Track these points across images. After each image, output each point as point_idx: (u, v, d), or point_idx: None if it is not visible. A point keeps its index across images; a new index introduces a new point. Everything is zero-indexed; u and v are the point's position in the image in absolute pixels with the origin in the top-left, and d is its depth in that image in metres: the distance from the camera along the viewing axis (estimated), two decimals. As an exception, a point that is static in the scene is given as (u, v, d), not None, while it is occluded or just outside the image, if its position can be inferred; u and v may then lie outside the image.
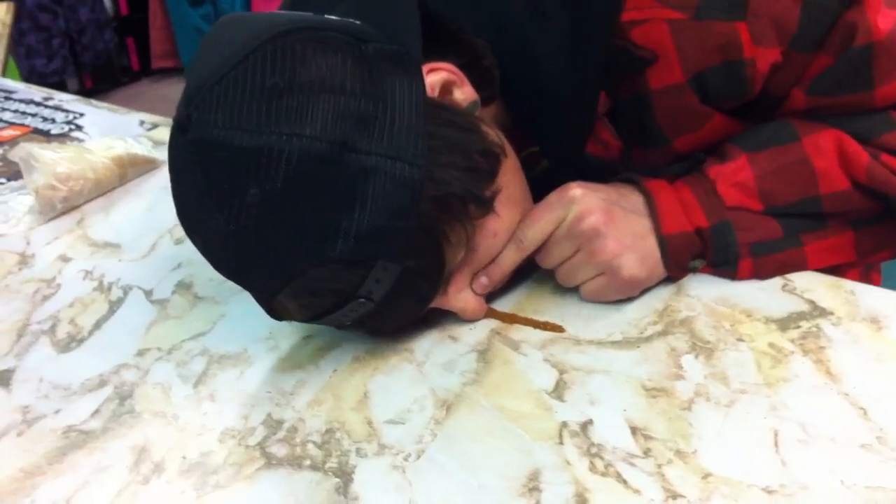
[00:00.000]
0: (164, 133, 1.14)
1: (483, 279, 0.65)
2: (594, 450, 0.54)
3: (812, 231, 0.67)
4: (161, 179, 1.02)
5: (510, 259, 0.65)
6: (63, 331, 0.74)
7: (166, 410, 0.62)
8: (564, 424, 0.56)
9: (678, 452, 0.52)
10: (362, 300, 0.56)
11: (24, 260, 0.86)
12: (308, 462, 0.56)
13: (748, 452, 0.52)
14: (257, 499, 0.54)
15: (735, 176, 0.66)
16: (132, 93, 4.00)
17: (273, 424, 0.59)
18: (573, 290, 0.68)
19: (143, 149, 1.04)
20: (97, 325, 0.74)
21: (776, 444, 0.52)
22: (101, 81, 3.99)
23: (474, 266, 0.65)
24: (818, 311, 0.63)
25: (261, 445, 0.58)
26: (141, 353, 0.69)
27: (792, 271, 0.67)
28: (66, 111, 1.26)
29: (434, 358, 0.64)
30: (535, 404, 0.58)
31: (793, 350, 0.60)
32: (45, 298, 0.79)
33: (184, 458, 0.57)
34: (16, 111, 1.28)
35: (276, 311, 0.60)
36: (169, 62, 4.08)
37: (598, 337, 0.64)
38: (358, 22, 0.57)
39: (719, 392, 0.57)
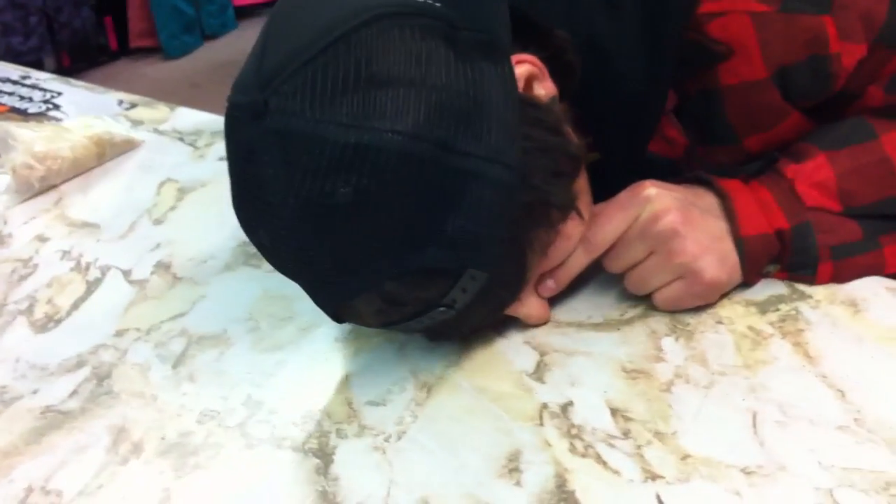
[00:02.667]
0: (142, 112, 1.13)
1: (550, 283, 0.62)
2: (574, 431, 0.54)
3: (889, 233, 0.63)
4: (139, 159, 1.01)
5: (579, 262, 0.61)
6: (40, 311, 0.73)
7: (145, 391, 0.62)
8: (545, 406, 0.56)
9: (657, 434, 0.53)
10: (443, 309, 0.53)
11: (1, 239, 0.85)
12: (288, 443, 0.56)
13: (727, 433, 0.52)
14: (237, 479, 0.53)
15: (814, 175, 0.62)
16: (110, 72, 3.95)
17: (253, 405, 0.59)
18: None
19: (121, 128, 1.03)
20: (75, 305, 0.73)
21: (755, 426, 0.52)
22: (78, 60, 3.93)
23: (542, 270, 0.61)
24: (797, 294, 0.63)
25: (240, 426, 0.57)
26: (119, 334, 0.68)
27: (870, 275, 0.64)
28: (44, 90, 1.24)
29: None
30: (516, 386, 0.58)
31: (772, 333, 0.60)
32: (22, 278, 0.78)
33: (162, 438, 0.57)
34: (-9, 89, 1.26)
35: (341, 315, 0.56)
36: (147, 41, 4.03)
37: (578, 319, 0.64)
38: (439, 4, 0.51)
39: (699, 374, 0.57)
